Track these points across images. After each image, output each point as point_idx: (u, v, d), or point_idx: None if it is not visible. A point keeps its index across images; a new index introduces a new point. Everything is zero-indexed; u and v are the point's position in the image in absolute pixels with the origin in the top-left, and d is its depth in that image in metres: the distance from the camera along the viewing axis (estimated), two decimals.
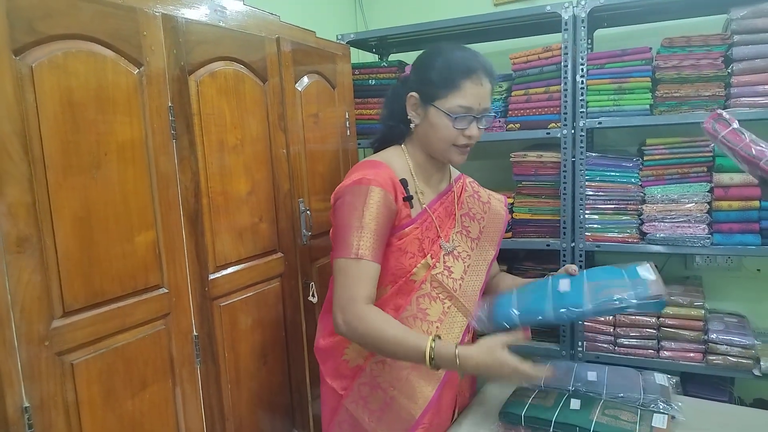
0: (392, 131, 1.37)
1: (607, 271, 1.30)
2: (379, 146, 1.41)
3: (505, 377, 1.12)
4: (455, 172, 1.49)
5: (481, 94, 1.24)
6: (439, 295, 1.30)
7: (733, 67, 1.76)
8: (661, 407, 1.26)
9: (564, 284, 1.27)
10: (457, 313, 1.32)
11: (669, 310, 1.93)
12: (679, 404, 1.29)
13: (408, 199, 1.27)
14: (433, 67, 1.26)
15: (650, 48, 1.88)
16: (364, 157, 1.42)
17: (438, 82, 1.24)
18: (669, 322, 1.93)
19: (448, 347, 1.11)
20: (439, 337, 1.14)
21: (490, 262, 1.43)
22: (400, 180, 1.28)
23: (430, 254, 1.29)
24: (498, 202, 1.52)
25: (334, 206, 1.25)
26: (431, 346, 1.10)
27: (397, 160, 1.33)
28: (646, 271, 1.23)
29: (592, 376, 1.41)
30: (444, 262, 1.32)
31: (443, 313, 1.29)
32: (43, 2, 0.97)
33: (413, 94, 1.28)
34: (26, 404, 0.96)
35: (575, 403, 1.27)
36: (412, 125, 1.32)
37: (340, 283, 1.19)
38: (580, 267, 1.99)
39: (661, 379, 1.40)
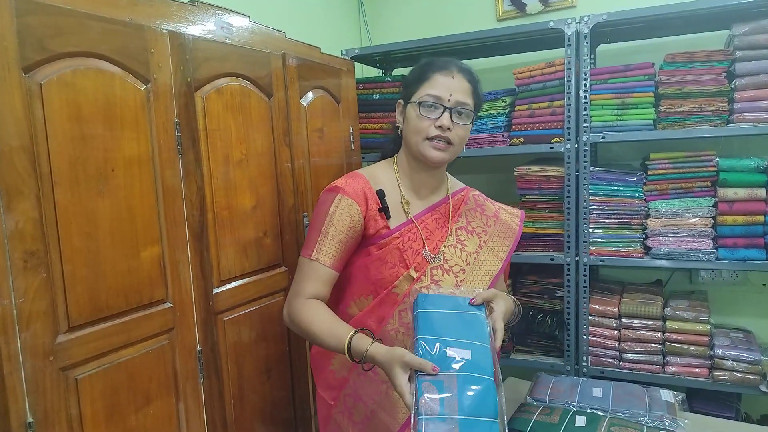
0: (390, 145, 1.42)
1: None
2: (382, 159, 1.44)
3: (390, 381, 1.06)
4: (457, 185, 1.46)
5: (452, 85, 1.25)
6: None
7: (735, 82, 1.77)
8: (667, 425, 1.25)
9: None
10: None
11: (674, 324, 1.92)
12: (686, 421, 1.28)
13: (383, 210, 1.29)
14: (412, 71, 1.35)
15: (653, 63, 1.89)
16: None
17: (411, 80, 1.31)
18: (674, 337, 1.92)
19: (363, 344, 1.10)
20: (364, 331, 1.15)
21: (494, 277, 1.38)
22: (377, 191, 1.30)
23: (414, 266, 1.27)
24: (509, 215, 1.48)
25: (314, 209, 1.34)
26: (349, 339, 1.13)
27: (383, 172, 1.36)
28: None
29: (597, 392, 1.40)
30: (431, 276, 1.29)
31: None
32: (54, 21, 0.99)
33: (399, 100, 1.35)
34: (30, 419, 0.95)
35: (581, 420, 1.26)
36: (399, 131, 1.35)
37: (294, 279, 1.29)
38: (584, 281, 1.99)
39: (667, 395, 1.39)
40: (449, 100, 1.24)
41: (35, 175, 0.96)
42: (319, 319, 1.20)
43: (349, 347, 1.12)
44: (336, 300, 1.34)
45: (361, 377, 1.28)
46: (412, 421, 0.95)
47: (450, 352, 1.01)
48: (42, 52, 0.97)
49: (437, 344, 1.02)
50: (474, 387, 0.97)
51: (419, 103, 1.25)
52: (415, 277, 1.27)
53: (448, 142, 1.26)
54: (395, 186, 1.34)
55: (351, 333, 1.13)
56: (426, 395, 0.95)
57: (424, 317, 1.09)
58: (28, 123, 0.95)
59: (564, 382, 1.50)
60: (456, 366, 1.00)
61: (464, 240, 1.37)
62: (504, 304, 1.18)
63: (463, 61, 1.32)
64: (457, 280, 1.33)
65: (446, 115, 1.24)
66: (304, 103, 1.70)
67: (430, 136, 1.26)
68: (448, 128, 1.24)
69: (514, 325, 1.32)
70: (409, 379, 1.00)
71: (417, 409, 0.95)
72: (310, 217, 1.70)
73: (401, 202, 1.32)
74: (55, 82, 0.99)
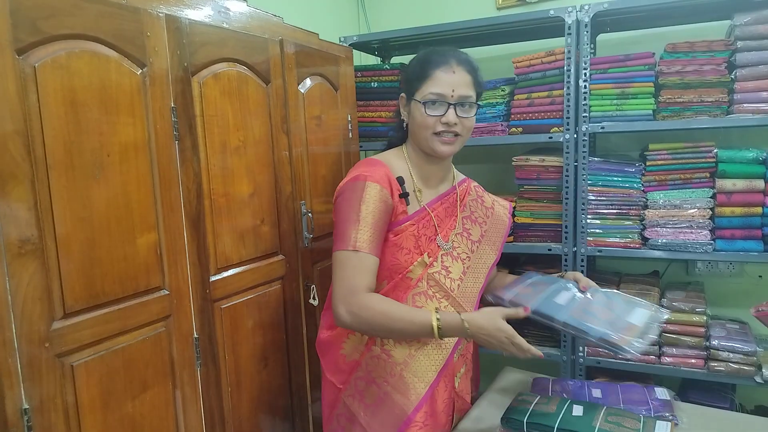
0: (398, 133, 1.44)
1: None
2: (388, 148, 1.47)
3: (499, 345, 1.18)
4: (460, 176, 1.50)
5: (454, 81, 1.27)
6: (436, 294, 1.32)
7: (736, 72, 1.76)
8: (667, 416, 1.26)
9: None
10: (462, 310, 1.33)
11: (671, 316, 1.92)
12: (684, 420, 1.29)
13: (404, 195, 1.31)
14: (411, 65, 1.36)
15: (653, 53, 1.88)
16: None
17: (413, 76, 1.32)
18: (671, 328, 1.92)
19: (453, 315, 1.20)
20: (441, 310, 1.24)
21: (490, 267, 1.45)
22: (397, 178, 1.32)
23: (427, 252, 1.32)
24: (502, 208, 1.54)
25: (335, 204, 1.30)
26: (437, 317, 1.19)
27: (396, 160, 1.37)
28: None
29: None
30: (442, 262, 1.34)
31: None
32: (47, 2, 0.97)
33: (402, 94, 1.37)
34: (26, 406, 0.95)
35: (578, 410, 1.27)
36: (404, 125, 1.38)
37: (339, 275, 1.23)
38: (582, 272, 1.99)
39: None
40: (452, 96, 1.27)
41: (30, 160, 0.95)
42: (393, 308, 1.21)
43: (439, 323, 1.18)
44: None
45: (374, 360, 1.31)
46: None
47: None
48: (36, 34, 0.95)
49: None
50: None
51: (424, 103, 1.28)
52: (428, 263, 1.31)
53: (456, 134, 1.30)
54: (408, 174, 1.36)
55: (434, 312, 1.20)
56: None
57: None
58: (22, 106, 0.94)
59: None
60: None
61: (469, 229, 1.43)
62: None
63: (461, 51, 1.33)
64: (464, 267, 1.38)
65: (451, 111, 1.28)
66: (302, 90, 1.68)
67: (438, 131, 1.29)
68: (455, 123, 1.28)
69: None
70: None
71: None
72: (308, 205, 1.69)
73: (414, 190, 1.36)
74: (49, 64, 0.97)
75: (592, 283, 1.38)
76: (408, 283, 1.30)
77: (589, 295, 1.33)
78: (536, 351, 1.16)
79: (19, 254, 0.93)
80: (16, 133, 0.93)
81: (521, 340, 1.16)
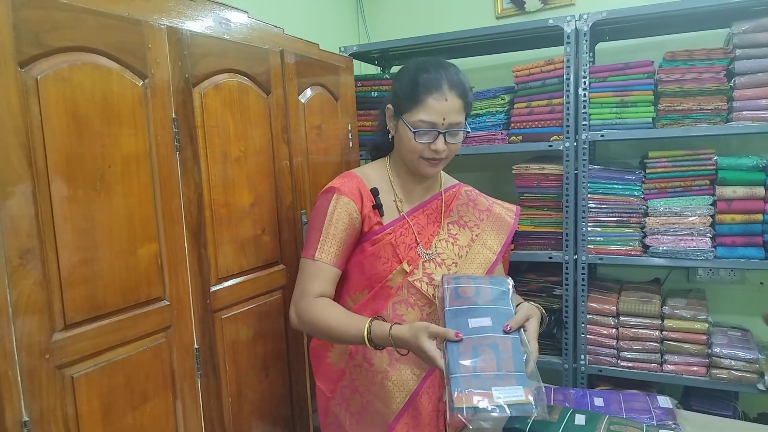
0: (383, 142, 1.42)
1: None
2: (374, 157, 1.46)
3: (422, 359, 1.12)
4: (450, 182, 1.49)
5: (444, 109, 1.24)
6: (417, 302, 1.31)
7: (735, 80, 1.77)
8: (670, 425, 1.25)
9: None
10: (439, 320, 1.30)
11: (672, 323, 1.92)
12: (687, 428, 1.28)
13: (377, 207, 1.32)
14: (401, 82, 1.30)
15: (652, 61, 1.89)
16: None
17: (404, 96, 1.27)
18: (672, 336, 1.92)
19: (384, 326, 1.16)
20: (378, 318, 1.21)
21: (488, 267, 1.40)
22: (371, 189, 1.33)
23: (406, 260, 1.31)
24: (504, 209, 1.49)
25: (312, 211, 1.35)
26: (368, 326, 1.17)
27: (375, 171, 1.38)
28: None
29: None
30: (424, 269, 1.33)
31: (421, 320, 1.29)
32: (50, 15, 0.97)
33: (389, 106, 1.34)
34: (26, 418, 0.94)
35: (580, 419, 1.26)
36: (389, 136, 1.37)
37: (298, 280, 1.30)
38: (583, 279, 1.98)
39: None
40: (443, 124, 1.25)
41: (31, 171, 0.95)
42: (332, 314, 1.23)
43: (369, 333, 1.15)
44: (337, 295, 1.36)
45: (357, 369, 1.33)
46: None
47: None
48: (38, 47, 0.96)
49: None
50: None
51: (414, 132, 1.25)
52: (408, 270, 1.31)
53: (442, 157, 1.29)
54: (388, 185, 1.37)
55: (369, 320, 1.18)
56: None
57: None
58: (24, 118, 0.94)
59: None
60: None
61: (456, 234, 1.40)
62: (536, 322, 1.16)
63: (452, 68, 1.28)
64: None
65: (440, 139, 1.26)
66: (303, 100, 1.69)
67: (426, 156, 1.28)
68: (443, 150, 1.27)
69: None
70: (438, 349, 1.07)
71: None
72: (308, 215, 1.69)
73: (394, 201, 1.36)
74: (51, 77, 0.98)
75: (519, 323, 1.12)
76: (388, 291, 1.30)
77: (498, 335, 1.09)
78: (441, 365, 1.04)
79: (20, 265, 0.93)
80: (18, 145, 0.93)
81: (441, 364, 1.04)
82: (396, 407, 1.30)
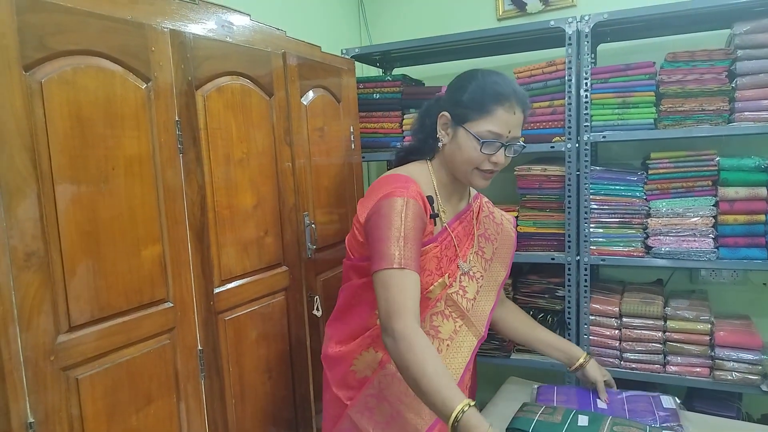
0: (422, 145, 1.37)
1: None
2: (404, 156, 1.41)
3: None
4: (473, 191, 1.48)
5: (511, 122, 1.23)
6: (452, 313, 1.31)
7: (736, 81, 1.77)
8: (674, 426, 1.25)
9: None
10: (468, 332, 1.31)
11: (675, 324, 1.92)
12: (690, 429, 1.28)
13: (434, 216, 1.27)
14: (467, 90, 1.26)
15: (654, 62, 1.89)
16: (368, 171, 1.43)
17: (470, 104, 1.24)
18: (675, 337, 1.92)
19: (477, 422, 1.01)
20: (474, 407, 1.04)
21: (500, 284, 1.43)
22: (427, 197, 1.27)
23: (447, 273, 1.29)
24: (508, 222, 1.52)
25: (371, 220, 1.22)
26: (463, 410, 1.01)
27: (422, 176, 1.32)
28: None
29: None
30: (460, 282, 1.32)
31: (454, 332, 1.30)
32: (54, 19, 0.98)
33: (445, 113, 1.29)
34: (31, 419, 0.95)
35: (583, 420, 1.26)
36: (440, 144, 1.32)
37: (384, 296, 1.13)
38: (585, 281, 1.99)
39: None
40: (507, 137, 1.24)
41: (36, 174, 0.96)
42: (434, 366, 1.06)
43: (456, 417, 1.00)
44: (371, 303, 1.27)
45: (388, 378, 1.27)
46: None
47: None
48: (42, 50, 0.96)
49: None
50: None
51: (481, 142, 1.22)
52: (447, 283, 1.29)
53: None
54: (433, 193, 1.32)
55: (465, 402, 1.02)
56: None
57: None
58: (29, 121, 0.95)
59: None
60: None
61: (483, 247, 1.41)
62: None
63: (518, 85, 1.28)
64: (477, 287, 1.36)
65: (502, 152, 1.25)
66: (305, 102, 1.69)
67: (484, 168, 1.26)
68: (503, 164, 1.26)
69: None
70: None
71: None
72: (311, 217, 1.70)
73: (440, 210, 1.32)
74: (55, 80, 0.99)
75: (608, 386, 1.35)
76: (427, 302, 1.28)
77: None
78: None
79: (25, 267, 0.94)
80: (23, 147, 0.94)
81: None
82: (429, 418, 1.24)
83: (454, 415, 1.00)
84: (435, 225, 1.28)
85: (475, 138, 1.22)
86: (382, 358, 1.29)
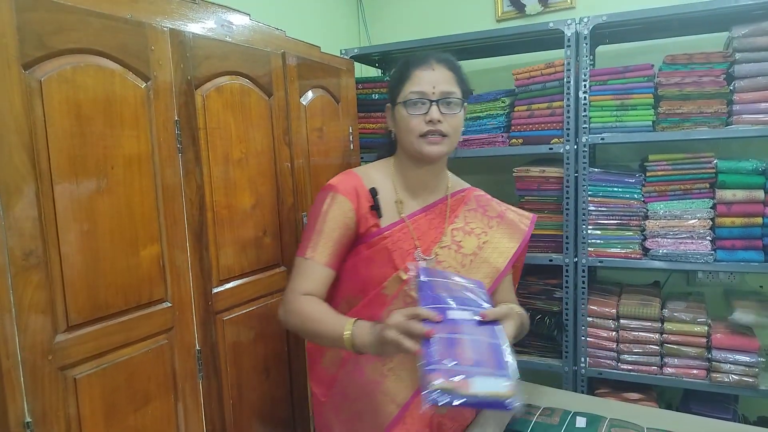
0: (386, 144, 1.41)
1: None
2: (379, 158, 1.43)
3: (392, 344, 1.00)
4: (459, 185, 1.42)
5: (433, 78, 1.23)
6: None
7: (735, 84, 1.77)
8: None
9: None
10: None
11: (672, 326, 1.92)
12: None
13: (374, 208, 1.27)
14: (393, 72, 1.33)
15: (652, 65, 1.89)
16: None
17: (394, 82, 1.29)
18: (672, 339, 1.92)
19: (365, 323, 1.09)
20: (357, 320, 1.11)
21: (495, 279, 1.34)
22: (370, 189, 1.28)
23: (402, 268, 1.24)
24: (518, 216, 1.42)
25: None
26: (353, 323, 1.10)
27: (377, 171, 1.34)
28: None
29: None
30: None
31: None
32: (54, 17, 0.98)
33: (387, 105, 1.34)
34: (28, 419, 0.95)
35: (581, 421, 1.26)
36: (392, 135, 1.35)
37: (289, 279, 1.27)
38: (583, 282, 1.99)
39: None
40: (434, 93, 1.23)
41: (34, 173, 0.96)
42: (316, 309, 1.18)
43: (351, 332, 1.08)
44: (327, 299, 1.29)
45: (348, 376, 1.29)
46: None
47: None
48: (42, 49, 0.96)
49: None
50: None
51: (405, 103, 1.24)
52: (404, 278, 1.24)
53: (442, 134, 1.24)
54: (390, 185, 1.32)
55: (351, 320, 1.11)
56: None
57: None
58: (28, 120, 0.94)
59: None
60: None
61: (460, 241, 1.33)
62: (512, 326, 1.09)
63: (441, 52, 1.30)
64: None
65: (434, 108, 1.22)
66: (304, 103, 1.69)
67: (423, 132, 1.23)
68: (439, 120, 1.22)
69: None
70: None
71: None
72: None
73: (395, 202, 1.30)
74: (55, 78, 0.98)
75: (497, 315, 1.08)
76: (383, 299, 1.24)
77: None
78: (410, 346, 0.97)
79: (23, 267, 0.94)
80: (21, 146, 0.93)
81: (414, 347, 0.97)
82: (385, 419, 1.24)
83: (345, 333, 1.09)
84: (381, 217, 1.27)
85: (403, 106, 1.25)
86: (343, 356, 1.28)
